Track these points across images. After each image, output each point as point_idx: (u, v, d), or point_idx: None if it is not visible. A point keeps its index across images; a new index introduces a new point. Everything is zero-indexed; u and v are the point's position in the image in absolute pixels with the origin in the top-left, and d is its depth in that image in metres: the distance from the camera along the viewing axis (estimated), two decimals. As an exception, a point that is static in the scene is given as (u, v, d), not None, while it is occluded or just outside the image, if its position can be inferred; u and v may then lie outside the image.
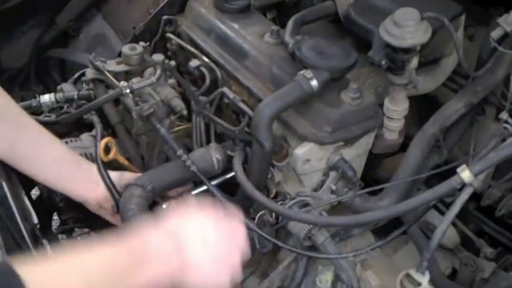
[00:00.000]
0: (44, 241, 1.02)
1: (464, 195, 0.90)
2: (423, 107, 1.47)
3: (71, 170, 1.14)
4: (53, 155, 1.13)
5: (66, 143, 1.38)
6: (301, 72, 1.11)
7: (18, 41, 1.90)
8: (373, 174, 1.46)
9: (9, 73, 1.91)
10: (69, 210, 1.38)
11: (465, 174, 0.88)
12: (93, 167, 1.16)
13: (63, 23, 1.93)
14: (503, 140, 1.13)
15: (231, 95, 1.18)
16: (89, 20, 1.94)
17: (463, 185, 0.91)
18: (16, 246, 0.97)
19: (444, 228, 0.91)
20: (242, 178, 1.11)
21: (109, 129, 1.40)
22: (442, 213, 1.37)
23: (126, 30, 1.86)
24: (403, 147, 1.31)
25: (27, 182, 1.18)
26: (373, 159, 1.34)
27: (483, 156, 1.06)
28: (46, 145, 1.12)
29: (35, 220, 1.05)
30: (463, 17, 1.27)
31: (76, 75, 1.42)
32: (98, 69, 1.29)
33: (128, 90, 1.17)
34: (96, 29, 1.91)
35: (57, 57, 1.98)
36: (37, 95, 1.81)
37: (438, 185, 0.92)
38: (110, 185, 1.15)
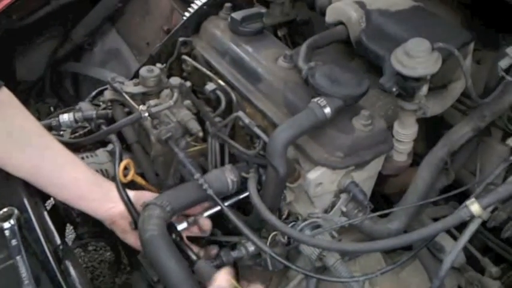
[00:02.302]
0: (68, 262, 1.06)
1: (473, 227, 0.94)
2: (430, 126, 1.51)
3: (89, 191, 1.19)
4: (75, 176, 1.17)
5: (82, 158, 1.42)
6: (315, 99, 1.14)
7: (33, 54, 1.95)
8: (380, 190, 1.50)
9: (24, 85, 1.96)
10: (85, 225, 1.42)
11: (474, 207, 0.92)
12: (113, 187, 1.21)
13: (78, 37, 1.97)
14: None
15: (247, 120, 1.22)
16: (103, 34, 1.99)
17: (472, 217, 0.94)
18: (42, 269, 1.01)
19: (453, 258, 0.95)
20: (257, 201, 1.14)
21: (123, 144, 1.44)
22: (449, 232, 1.40)
23: (140, 45, 1.91)
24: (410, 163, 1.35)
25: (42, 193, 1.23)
26: (381, 177, 1.38)
27: (491, 184, 1.10)
28: (68, 167, 1.17)
29: (58, 241, 1.09)
30: (472, 44, 1.30)
31: (93, 94, 1.46)
32: (116, 90, 1.33)
33: (146, 114, 1.21)
34: (110, 44, 1.96)
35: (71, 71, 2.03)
36: (52, 108, 1.86)
37: (448, 217, 0.96)
38: (129, 205, 1.19)
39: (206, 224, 1.24)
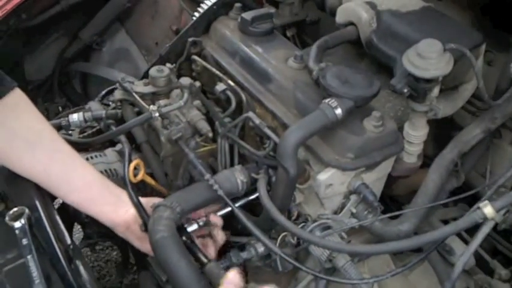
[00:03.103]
0: (78, 262, 1.06)
1: (486, 229, 0.94)
2: (439, 127, 1.50)
3: (100, 195, 1.18)
4: (84, 180, 1.16)
5: (92, 158, 1.42)
6: (326, 100, 1.14)
7: (42, 53, 1.95)
8: (389, 192, 1.49)
9: (33, 85, 1.96)
10: (93, 225, 1.42)
11: (487, 209, 0.92)
12: (123, 192, 1.21)
13: (86, 37, 1.98)
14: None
15: (257, 121, 1.21)
16: (112, 34, 1.99)
17: (485, 219, 0.94)
18: (52, 268, 1.01)
19: (466, 260, 0.95)
20: (267, 202, 1.14)
21: (132, 144, 1.44)
22: (458, 234, 1.40)
23: (149, 45, 1.91)
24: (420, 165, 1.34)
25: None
26: (390, 178, 1.38)
27: (501, 187, 1.10)
28: (78, 171, 1.16)
29: (69, 241, 1.09)
30: (483, 46, 1.29)
31: (103, 93, 1.46)
32: (126, 90, 1.33)
33: (157, 114, 1.21)
34: (119, 44, 1.96)
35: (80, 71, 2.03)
36: (60, 108, 1.87)
37: (461, 219, 0.95)
38: (139, 206, 1.19)
39: (218, 221, 1.23)
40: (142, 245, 1.21)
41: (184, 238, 1.17)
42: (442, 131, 1.52)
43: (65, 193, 1.16)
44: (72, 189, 1.15)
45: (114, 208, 1.18)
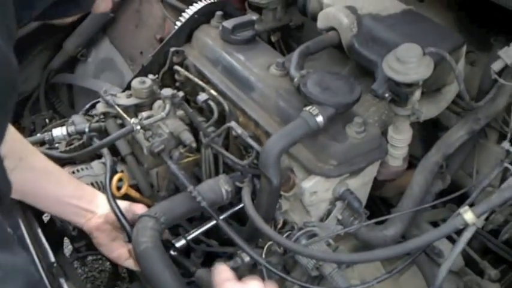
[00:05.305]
0: (62, 280, 1.05)
1: (468, 234, 0.94)
2: (425, 128, 1.50)
3: (70, 205, 1.20)
4: (56, 193, 1.18)
5: (78, 171, 1.41)
6: (307, 108, 1.13)
7: (27, 65, 1.94)
8: (378, 194, 1.49)
9: (19, 97, 1.95)
10: (82, 238, 1.41)
11: (468, 215, 0.91)
12: (95, 199, 1.22)
13: (71, 48, 1.96)
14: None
15: (239, 130, 1.21)
16: (96, 44, 1.98)
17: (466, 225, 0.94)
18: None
19: (449, 265, 0.95)
20: (252, 212, 1.14)
21: (117, 156, 1.43)
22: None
23: (133, 54, 1.90)
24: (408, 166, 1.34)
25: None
26: (378, 181, 1.37)
27: (488, 186, 1.10)
28: (51, 185, 1.18)
29: (52, 259, 1.08)
30: (464, 48, 1.29)
31: (87, 107, 1.46)
32: (108, 103, 1.32)
33: (138, 127, 1.20)
34: (103, 54, 1.95)
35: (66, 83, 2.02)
36: (47, 120, 1.86)
37: (443, 225, 0.95)
38: (121, 218, 1.19)
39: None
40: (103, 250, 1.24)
41: (171, 252, 1.17)
42: (429, 132, 1.52)
43: (39, 206, 1.19)
44: (45, 203, 1.19)
45: (78, 217, 1.21)
